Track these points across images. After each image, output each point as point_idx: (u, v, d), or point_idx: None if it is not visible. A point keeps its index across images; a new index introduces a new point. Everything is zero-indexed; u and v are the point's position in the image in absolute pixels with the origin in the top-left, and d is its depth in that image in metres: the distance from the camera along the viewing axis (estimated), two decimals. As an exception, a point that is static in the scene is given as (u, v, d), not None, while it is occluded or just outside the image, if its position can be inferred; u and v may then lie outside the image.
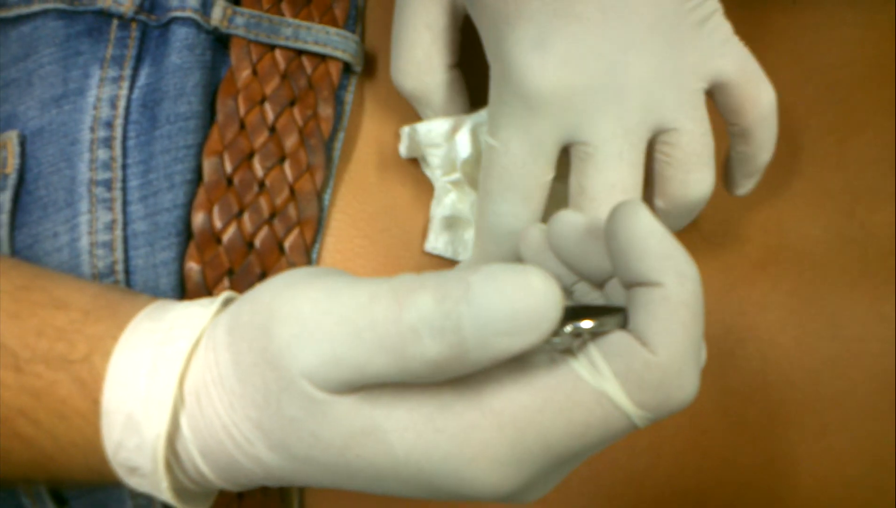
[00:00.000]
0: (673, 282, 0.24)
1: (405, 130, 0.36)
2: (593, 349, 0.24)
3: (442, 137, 0.36)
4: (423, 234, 0.38)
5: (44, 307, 0.28)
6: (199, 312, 0.27)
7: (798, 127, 0.40)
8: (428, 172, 0.37)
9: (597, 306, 0.28)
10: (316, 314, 0.23)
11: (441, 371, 0.22)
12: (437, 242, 0.37)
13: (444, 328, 0.21)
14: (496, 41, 0.31)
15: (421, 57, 0.35)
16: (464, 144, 0.35)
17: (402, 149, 0.37)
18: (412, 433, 0.23)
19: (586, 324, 0.23)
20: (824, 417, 0.37)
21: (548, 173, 0.31)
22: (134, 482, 0.27)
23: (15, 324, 0.27)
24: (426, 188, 0.38)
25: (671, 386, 0.23)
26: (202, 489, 0.28)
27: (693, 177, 0.32)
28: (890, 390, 0.36)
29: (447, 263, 0.38)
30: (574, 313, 0.29)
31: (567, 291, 0.31)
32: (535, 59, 0.30)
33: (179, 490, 0.27)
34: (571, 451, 0.23)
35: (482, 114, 0.35)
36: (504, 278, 0.21)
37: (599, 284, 0.29)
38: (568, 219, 0.28)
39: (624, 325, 0.24)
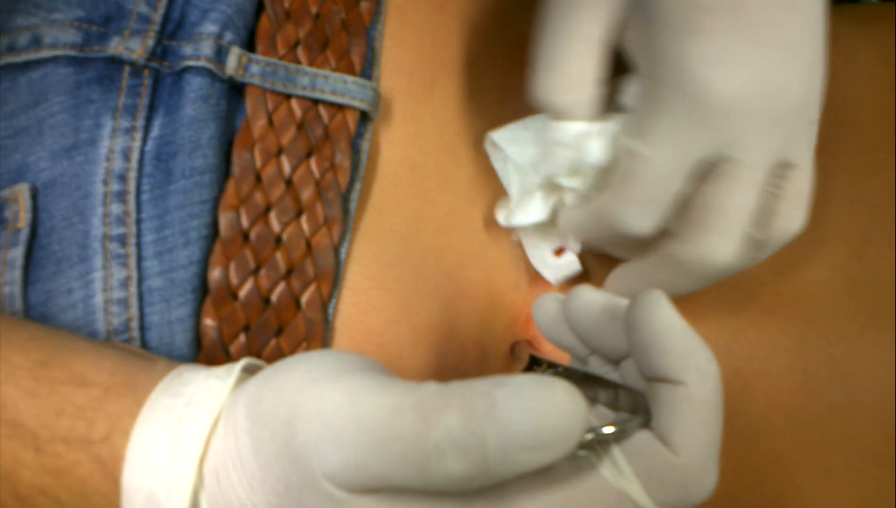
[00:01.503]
0: (695, 381, 0.24)
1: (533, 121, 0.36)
2: (616, 450, 0.24)
3: (573, 138, 0.35)
4: (436, 283, 0.38)
5: (63, 385, 0.27)
6: (216, 385, 0.27)
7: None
8: (508, 176, 0.38)
9: (617, 384, 0.28)
10: (340, 419, 0.23)
11: (463, 486, 0.22)
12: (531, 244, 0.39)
13: (469, 447, 0.22)
14: (670, 51, 0.31)
15: (575, 71, 0.34)
16: (598, 151, 0.34)
17: (499, 140, 0.38)
18: None
19: (608, 430, 0.24)
20: (829, 462, 0.37)
21: (682, 185, 0.32)
22: None
23: (34, 403, 0.27)
24: (437, 232, 0.38)
25: (692, 485, 0.24)
26: None
27: (797, 214, 0.33)
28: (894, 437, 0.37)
29: (459, 299, 0.38)
30: (594, 384, 0.29)
31: (581, 360, 0.31)
32: (717, 73, 0.30)
33: None
34: None
35: (616, 124, 0.35)
36: (531, 394, 0.22)
37: (615, 361, 0.29)
38: (586, 296, 0.29)
39: (646, 422, 0.25)
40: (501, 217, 0.39)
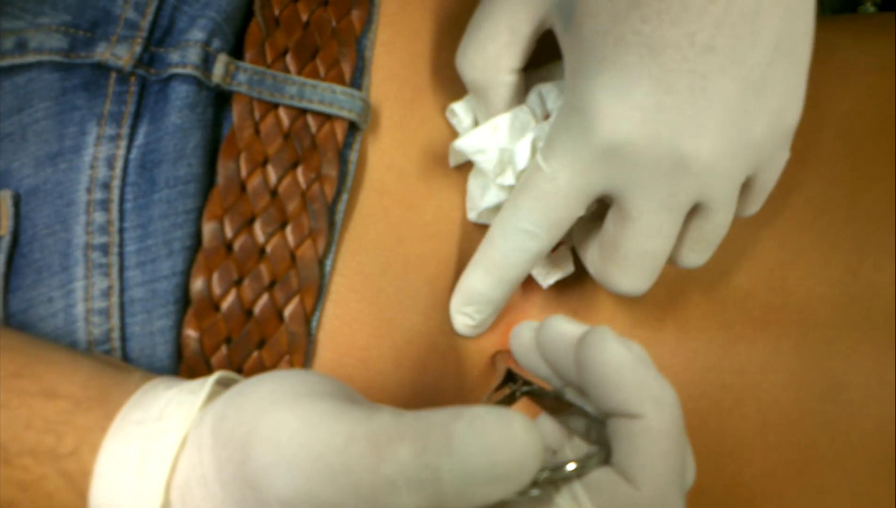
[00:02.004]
0: (651, 412, 0.24)
1: (453, 145, 0.37)
2: (577, 486, 0.24)
3: (486, 141, 0.36)
4: (417, 294, 0.37)
5: (34, 397, 0.27)
6: (188, 399, 0.27)
7: (809, 177, 0.39)
8: (476, 180, 0.39)
9: (587, 412, 0.28)
10: (294, 445, 0.23)
11: None
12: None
13: (423, 481, 0.21)
14: (583, 74, 0.31)
15: (492, 53, 0.35)
16: (523, 155, 0.35)
17: (452, 161, 0.39)
18: None
19: (569, 467, 0.24)
20: (823, 479, 0.37)
21: (580, 213, 0.33)
22: None
23: (4, 415, 0.27)
24: (420, 240, 0.38)
25: None
26: None
27: (694, 257, 0.35)
28: (890, 454, 0.37)
29: (440, 309, 0.38)
30: (564, 407, 0.29)
31: (558, 392, 0.31)
32: (616, 108, 0.30)
33: None
34: None
35: (543, 127, 0.36)
36: (487, 427, 0.21)
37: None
38: (559, 328, 0.28)
39: (607, 457, 0.24)
40: (472, 215, 0.39)
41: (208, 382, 0.27)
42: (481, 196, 0.38)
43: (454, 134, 0.40)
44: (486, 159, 0.36)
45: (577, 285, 0.40)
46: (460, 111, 0.39)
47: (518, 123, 0.36)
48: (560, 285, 0.40)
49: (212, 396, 0.28)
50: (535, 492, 0.24)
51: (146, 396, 0.27)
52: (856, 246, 0.38)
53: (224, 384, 0.29)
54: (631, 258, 0.33)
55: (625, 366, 0.24)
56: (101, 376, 0.28)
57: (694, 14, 0.29)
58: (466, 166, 0.40)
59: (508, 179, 0.36)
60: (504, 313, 0.40)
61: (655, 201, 0.31)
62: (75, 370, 0.28)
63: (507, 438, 0.21)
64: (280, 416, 0.23)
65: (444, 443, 0.21)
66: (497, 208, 0.38)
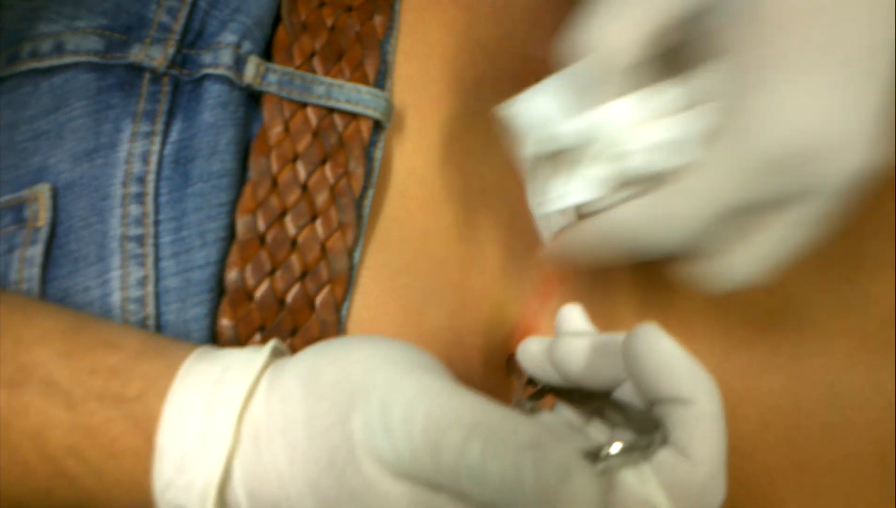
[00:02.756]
0: (704, 399, 0.26)
1: (554, 131, 0.32)
2: (643, 464, 0.26)
3: (601, 127, 0.32)
4: (441, 293, 0.38)
5: (96, 347, 0.28)
6: (251, 356, 0.28)
7: None
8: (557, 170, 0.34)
9: (621, 403, 0.29)
10: (404, 412, 0.24)
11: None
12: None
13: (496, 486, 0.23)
14: (761, 77, 0.28)
15: (630, 18, 0.30)
16: (651, 151, 0.31)
17: (532, 148, 0.34)
18: None
19: (642, 440, 0.26)
20: (821, 479, 0.38)
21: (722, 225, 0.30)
22: None
23: (68, 362, 0.27)
24: (442, 243, 0.39)
25: (710, 494, 0.26)
26: None
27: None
28: (888, 458, 0.38)
29: (463, 309, 0.39)
30: (592, 401, 0.30)
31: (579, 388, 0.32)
32: (809, 116, 0.28)
33: None
34: None
35: (675, 123, 0.31)
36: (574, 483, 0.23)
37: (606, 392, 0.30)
38: (572, 345, 0.30)
39: (665, 437, 0.26)
40: (537, 206, 0.35)
41: (269, 345, 0.28)
42: (566, 191, 0.33)
43: (473, 144, 0.41)
44: (598, 149, 0.31)
45: (585, 293, 0.42)
46: (528, 106, 0.35)
47: (645, 112, 0.31)
48: (569, 293, 0.42)
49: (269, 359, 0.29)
50: (612, 462, 0.25)
51: (207, 354, 0.28)
52: (852, 257, 0.40)
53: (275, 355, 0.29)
54: (775, 255, 0.31)
55: (677, 357, 0.26)
56: (156, 337, 0.29)
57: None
58: (488, 178, 0.41)
59: (620, 174, 0.32)
60: (520, 320, 0.41)
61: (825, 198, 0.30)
62: (129, 330, 0.29)
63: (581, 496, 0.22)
64: (395, 381, 0.24)
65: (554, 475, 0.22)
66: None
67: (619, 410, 0.29)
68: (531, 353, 0.32)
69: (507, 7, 0.43)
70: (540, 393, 0.33)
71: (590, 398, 0.30)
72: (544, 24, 0.44)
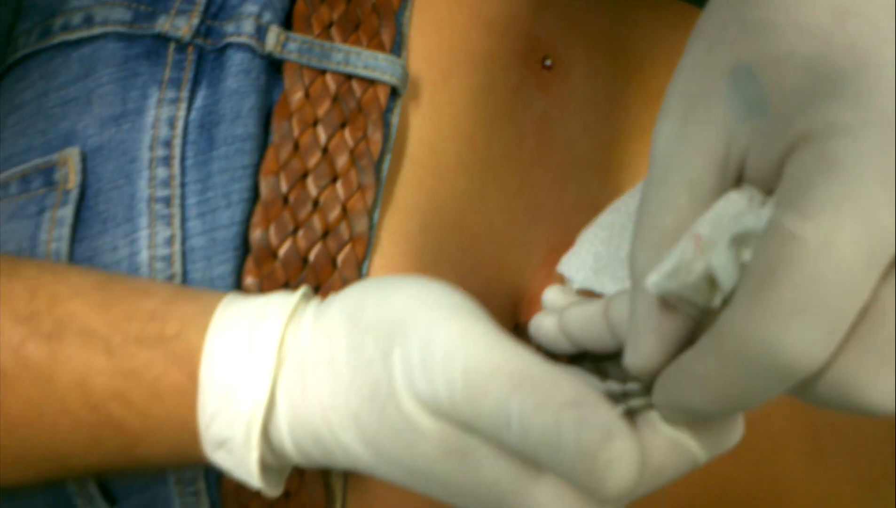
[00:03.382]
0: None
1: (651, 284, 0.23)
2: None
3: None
4: (452, 257, 0.39)
5: (129, 296, 0.29)
6: (285, 298, 0.29)
7: None
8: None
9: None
10: (446, 352, 0.24)
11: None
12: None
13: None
14: (834, 92, 0.21)
15: (669, 225, 0.24)
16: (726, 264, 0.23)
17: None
18: (504, 462, 0.24)
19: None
20: (821, 441, 0.39)
21: (869, 292, 0.20)
22: (219, 457, 0.28)
23: (103, 312, 0.28)
24: (452, 211, 0.40)
25: (730, 431, 0.26)
26: (279, 465, 0.29)
27: None
28: (890, 452, 0.39)
29: (473, 275, 0.39)
30: (605, 361, 0.31)
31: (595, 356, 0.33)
32: None
33: (262, 464, 0.28)
34: (646, 491, 0.25)
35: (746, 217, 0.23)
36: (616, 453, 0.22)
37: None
38: (576, 312, 0.31)
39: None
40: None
41: (301, 289, 0.29)
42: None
43: (482, 118, 0.42)
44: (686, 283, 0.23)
45: None
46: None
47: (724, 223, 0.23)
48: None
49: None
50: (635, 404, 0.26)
51: (240, 297, 0.29)
52: None
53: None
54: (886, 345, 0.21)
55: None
56: (185, 287, 0.30)
57: None
58: (495, 150, 0.42)
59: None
60: (526, 289, 0.42)
61: None
62: (158, 282, 0.30)
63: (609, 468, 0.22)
64: (437, 320, 0.25)
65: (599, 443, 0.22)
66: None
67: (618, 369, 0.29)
68: (545, 330, 0.32)
69: None
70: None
71: (599, 360, 0.31)
72: (550, 5, 0.45)
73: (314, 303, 0.28)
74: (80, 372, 0.27)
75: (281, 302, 0.28)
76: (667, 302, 0.24)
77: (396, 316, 0.25)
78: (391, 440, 0.25)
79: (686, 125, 0.23)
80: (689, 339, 0.24)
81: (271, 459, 0.28)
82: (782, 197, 0.21)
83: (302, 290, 0.29)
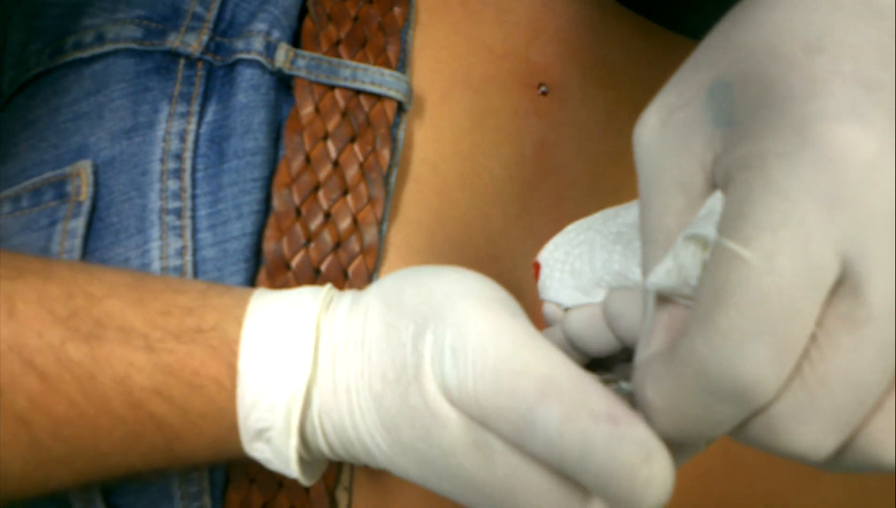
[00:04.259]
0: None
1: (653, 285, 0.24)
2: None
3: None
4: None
5: (163, 292, 0.29)
6: (316, 289, 0.29)
7: None
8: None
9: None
10: (476, 344, 0.24)
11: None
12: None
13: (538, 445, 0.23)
14: (783, 113, 0.21)
15: (672, 225, 0.24)
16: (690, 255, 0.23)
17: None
18: (517, 458, 0.24)
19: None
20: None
21: (815, 315, 0.20)
22: (257, 448, 0.28)
23: (140, 309, 0.28)
24: (456, 229, 0.40)
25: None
26: (311, 457, 0.29)
27: None
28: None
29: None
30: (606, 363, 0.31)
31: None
32: (849, 130, 0.20)
33: (299, 452, 0.28)
34: None
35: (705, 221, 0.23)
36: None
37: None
38: (578, 317, 0.30)
39: None
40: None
41: (326, 286, 0.29)
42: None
43: (483, 138, 0.43)
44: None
45: None
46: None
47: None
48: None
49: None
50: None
51: (270, 291, 0.29)
52: None
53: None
54: (836, 387, 0.21)
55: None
56: (214, 283, 0.30)
57: None
58: (497, 172, 0.43)
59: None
60: (531, 307, 0.42)
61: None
62: (187, 279, 0.30)
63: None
64: (473, 310, 0.25)
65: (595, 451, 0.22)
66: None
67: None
68: (588, 321, 0.30)
69: (510, 13, 0.46)
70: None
71: (597, 363, 0.31)
72: (546, 30, 0.46)
73: (350, 293, 0.29)
74: (120, 370, 0.27)
75: (313, 293, 0.28)
76: (674, 300, 0.24)
77: (434, 300, 0.26)
78: (410, 424, 0.25)
79: (670, 129, 0.24)
80: None
81: (303, 450, 0.28)
82: (726, 218, 0.21)
83: (329, 285, 0.29)
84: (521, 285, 0.42)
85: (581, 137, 0.45)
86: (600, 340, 0.30)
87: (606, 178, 0.46)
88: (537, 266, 0.35)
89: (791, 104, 0.21)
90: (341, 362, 0.26)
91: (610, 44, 0.48)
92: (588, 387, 0.23)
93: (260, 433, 0.27)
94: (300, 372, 0.26)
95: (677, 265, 0.23)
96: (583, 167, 0.45)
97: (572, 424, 0.22)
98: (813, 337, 0.21)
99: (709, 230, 0.22)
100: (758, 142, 0.21)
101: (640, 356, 0.24)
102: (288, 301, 0.28)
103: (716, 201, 0.23)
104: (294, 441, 0.27)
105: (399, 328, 0.26)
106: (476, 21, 0.45)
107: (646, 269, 0.24)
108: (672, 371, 0.22)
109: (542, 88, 0.45)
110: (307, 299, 0.28)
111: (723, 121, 0.23)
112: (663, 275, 0.23)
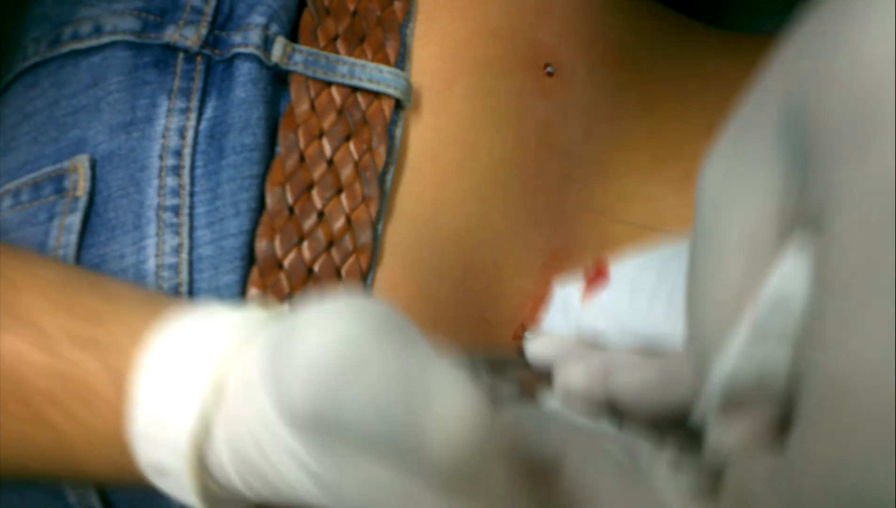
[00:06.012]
0: None
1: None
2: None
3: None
4: (452, 266, 0.40)
5: (90, 296, 0.27)
6: (252, 313, 0.25)
7: None
8: None
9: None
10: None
11: None
12: None
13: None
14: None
15: (730, 283, 0.21)
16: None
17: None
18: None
19: None
20: None
21: None
22: (165, 484, 0.25)
23: (58, 311, 0.26)
24: (452, 218, 0.41)
25: None
26: (231, 496, 0.25)
27: None
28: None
29: (471, 282, 0.40)
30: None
31: None
32: None
33: (207, 494, 0.25)
34: None
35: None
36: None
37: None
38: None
39: None
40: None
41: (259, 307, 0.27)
42: None
43: (484, 122, 0.43)
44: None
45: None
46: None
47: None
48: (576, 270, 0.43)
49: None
50: None
51: (205, 309, 0.26)
52: None
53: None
54: None
55: None
56: (160, 294, 0.29)
57: None
58: (497, 155, 0.43)
59: None
60: (528, 293, 0.43)
61: None
62: (133, 286, 0.30)
63: None
64: (360, 346, 0.22)
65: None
66: None
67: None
68: (575, 381, 0.27)
69: None
70: None
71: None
72: (552, 11, 0.46)
73: (286, 318, 0.25)
74: (11, 363, 0.26)
75: (245, 315, 0.25)
76: (738, 399, 0.20)
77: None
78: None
79: (736, 172, 0.21)
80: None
81: (219, 489, 0.25)
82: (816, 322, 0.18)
83: (263, 308, 0.26)
84: (519, 267, 0.43)
85: (587, 117, 0.45)
86: (651, 409, 0.26)
87: (613, 160, 0.46)
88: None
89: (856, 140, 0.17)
90: (253, 398, 0.23)
91: (618, 25, 0.48)
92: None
93: (158, 470, 0.25)
94: (192, 407, 0.24)
95: (736, 366, 0.20)
96: (589, 149, 0.45)
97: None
98: None
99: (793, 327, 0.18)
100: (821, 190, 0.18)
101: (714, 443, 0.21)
102: (201, 327, 0.25)
103: (780, 278, 0.19)
104: (193, 485, 0.24)
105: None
106: (482, 5, 0.44)
107: (696, 338, 0.21)
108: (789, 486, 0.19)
109: (549, 69, 0.45)
110: (222, 325, 0.25)
111: (798, 164, 0.19)
112: (725, 378, 0.20)
